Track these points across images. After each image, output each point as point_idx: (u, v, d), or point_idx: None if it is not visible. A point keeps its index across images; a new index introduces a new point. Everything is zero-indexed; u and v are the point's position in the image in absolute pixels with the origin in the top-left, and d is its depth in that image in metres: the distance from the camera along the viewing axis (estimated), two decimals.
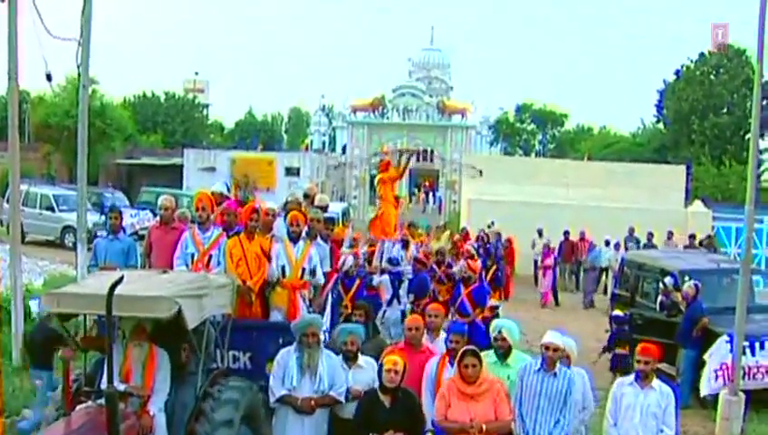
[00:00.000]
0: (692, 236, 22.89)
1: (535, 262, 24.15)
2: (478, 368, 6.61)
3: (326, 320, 9.29)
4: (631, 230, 24.93)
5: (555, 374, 6.94)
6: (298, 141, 78.73)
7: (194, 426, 6.29)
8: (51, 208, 28.42)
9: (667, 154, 52.52)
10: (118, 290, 5.29)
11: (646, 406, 7.02)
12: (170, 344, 6.52)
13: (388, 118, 51.69)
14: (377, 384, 7.32)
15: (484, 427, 6.46)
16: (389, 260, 14.87)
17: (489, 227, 24.08)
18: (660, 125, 60.63)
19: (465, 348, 6.80)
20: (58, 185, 34.12)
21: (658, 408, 7.02)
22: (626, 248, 22.75)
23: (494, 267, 19.81)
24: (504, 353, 7.30)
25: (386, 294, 13.84)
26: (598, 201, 28.39)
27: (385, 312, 13.48)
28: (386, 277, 14.02)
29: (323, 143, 64.94)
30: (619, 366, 12.35)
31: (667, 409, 7.04)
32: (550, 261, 22.66)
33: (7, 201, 21.40)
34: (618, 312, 13.84)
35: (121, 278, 5.33)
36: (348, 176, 50.69)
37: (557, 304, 22.24)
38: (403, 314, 12.92)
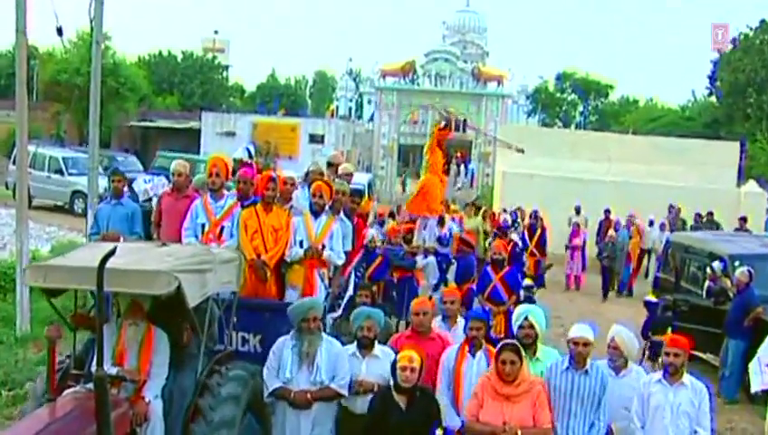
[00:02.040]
0: (743, 219, 22.66)
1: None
2: (518, 365, 6.23)
3: (347, 300, 9.12)
4: (677, 210, 24.72)
5: (587, 372, 6.63)
6: (323, 107, 78.53)
7: (192, 416, 6.05)
8: (60, 172, 28.60)
9: (719, 129, 51.66)
10: (112, 263, 5.07)
11: (677, 405, 6.64)
12: (169, 324, 6.31)
13: (419, 84, 51.27)
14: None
15: (519, 432, 6.10)
16: (439, 240, 14.43)
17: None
18: (713, 98, 59.62)
19: (504, 342, 6.48)
20: (68, 147, 34.33)
21: (691, 406, 6.64)
22: (671, 230, 22.55)
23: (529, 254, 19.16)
24: (530, 345, 6.92)
25: (432, 278, 13.51)
26: (641, 178, 28.05)
27: (431, 297, 13.05)
28: (432, 259, 13.59)
29: (350, 109, 64.66)
30: (657, 355, 12.22)
31: (701, 407, 6.68)
32: (579, 241, 22.19)
33: (14, 163, 21.69)
34: (650, 297, 13.69)
35: (114, 250, 5.10)
36: (375, 145, 50.51)
37: (606, 294, 21.43)
38: None
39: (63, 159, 29.10)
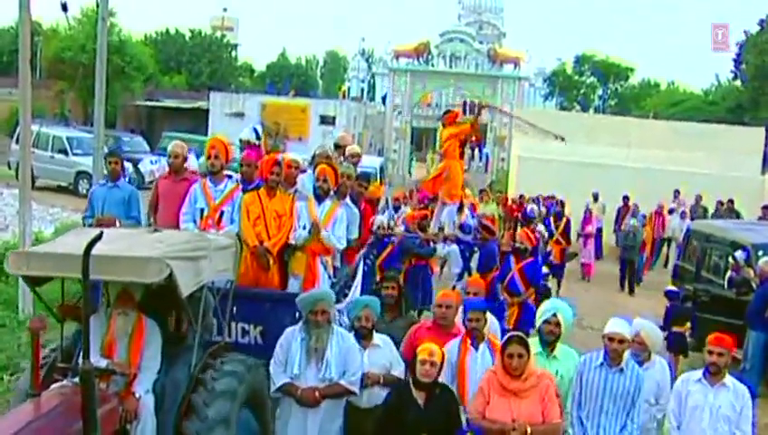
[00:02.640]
0: (767, 207, 22.55)
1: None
2: (525, 359, 6.04)
3: (354, 290, 8.93)
4: (698, 198, 24.61)
5: (621, 370, 6.48)
6: (334, 88, 78.59)
7: (186, 411, 5.87)
8: (64, 152, 28.54)
9: (743, 115, 51.29)
10: (100, 250, 4.92)
11: (716, 407, 6.47)
12: (162, 314, 6.16)
13: (433, 65, 51.08)
14: (395, 368, 6.94)
15: (528, 429, 5.92)
16: (461, 227, 14.27)
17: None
18: (738, 82, 59.23)
19: (510, 334, 6.28)
20: (72, 126, 34.37)
21: (732, 410, 6.46)
22: (692, 218, 22.45)
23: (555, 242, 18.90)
24: (551, 342, 6.79)
25: (455, 267, 13.37)
26: (662, 164, 27.93)
27: (454, 287, 12.59)
28: (455, 248, 13.42)
29: (362, 91, 64.60)
30: (677, 346, 12.19)
31: (743, 411, 6.48)
32: (591, 229, 21.87)
33: (17, 142, 21.72)
34: (671, 287, 13.63)
35: (100, 235, 4.94)
36: (387, 128, 50.43)
37: (631, 287, 20.58)
38: None
39: (68, 138, 29.05)
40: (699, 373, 6.66)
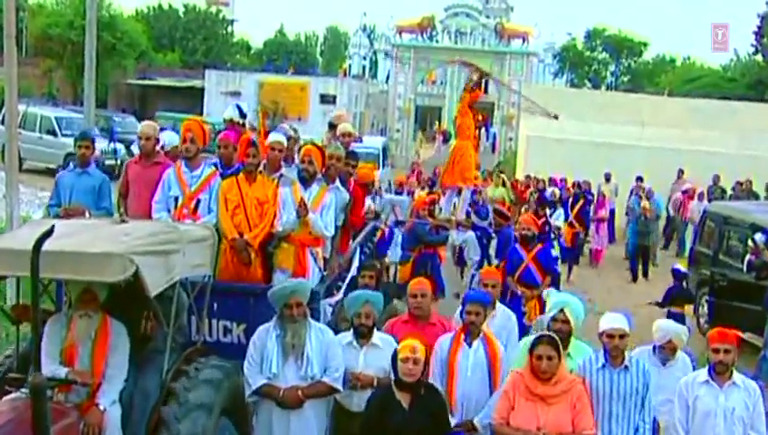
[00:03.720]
0: None
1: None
2: (555, 361, 5.79)
3: (348, 282, 8.62)
4: (716, 178, 24.50)
5: (626, 368, 6.19)
6: (335, 65, 78.48)
7: (155, 427, 5.52)
8: (52, 132, 28.50)
9: (764, 92, 51.00)
10: (57, 245, 4.62)
11: (730, 410, 6.18)
12: (129, 315, 5.78)
13: (437, 41, 50.89)
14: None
15: None
16: (477, 213, 14.11)
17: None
18: (758, 57, 58.90)
19: (540, 334, 6.05)
20: (61, 106, 34.31)
21: (746, 410, 6.18)
22: (709, 199, 22.39)
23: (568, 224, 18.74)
24: (562, 340, 6.37)
25: (473, 254, 13.25)
26: (677, 144, 27.74)
27: (473, 277, 12.54)
28: (471, 234, 13.29)
29: (363, 68, 64.54)
30: None
31: (756, 408, 6.22)
32: (604, 212, 21.45)
33: (2, 123, 21.69)
34: (679, 265, 13.60)
35: (51, 229, 4.55)
36: (391, 106, 50.35)
37: (644, 272, 19.94)
38: None
39: (56, 119, 28.98)
40: (704, 374, 6.38)
